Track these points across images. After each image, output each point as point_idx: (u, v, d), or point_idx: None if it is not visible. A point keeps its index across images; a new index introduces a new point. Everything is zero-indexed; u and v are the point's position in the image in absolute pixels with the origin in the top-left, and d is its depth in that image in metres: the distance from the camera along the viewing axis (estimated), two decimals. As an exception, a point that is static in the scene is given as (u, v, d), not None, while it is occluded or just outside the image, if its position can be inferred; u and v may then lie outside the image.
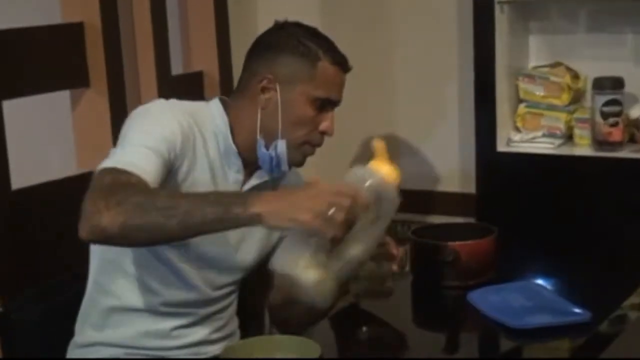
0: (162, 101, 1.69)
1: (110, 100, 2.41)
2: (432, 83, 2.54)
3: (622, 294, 1.84)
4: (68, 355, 1.77)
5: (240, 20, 2.77)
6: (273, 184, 1.76)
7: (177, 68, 2.68)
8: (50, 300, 1.76)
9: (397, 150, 2.64)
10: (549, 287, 1.83)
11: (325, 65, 1.66)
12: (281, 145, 1.66)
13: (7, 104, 2.18)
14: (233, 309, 1.81)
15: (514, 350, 1.54)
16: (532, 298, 1.77)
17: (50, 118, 2.63)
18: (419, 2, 2.51)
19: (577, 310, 1.69)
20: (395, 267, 1.64)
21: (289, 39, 1.69)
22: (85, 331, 1.75)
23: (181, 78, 2.66)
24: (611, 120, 2.15)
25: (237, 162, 1.69)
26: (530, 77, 2.30)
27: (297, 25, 1.74)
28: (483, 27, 2.24)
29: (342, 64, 1.69)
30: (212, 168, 1.67)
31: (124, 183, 1.43)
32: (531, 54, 2.38)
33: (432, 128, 2.56)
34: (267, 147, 1.67)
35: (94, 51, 2.40)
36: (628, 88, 2.18)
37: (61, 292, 1.81)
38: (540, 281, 1.85)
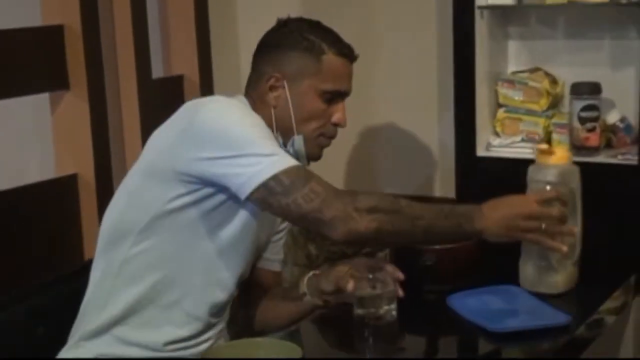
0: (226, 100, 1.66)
1: (90, 104, 2.41)
2: (412, 87, 2.55)
3: (599, 298, 1.86)
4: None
5: (220, 24, 2.78)
6: None
7: (157, 71, 2.68)
8: (26, 305, 1.75)
9: (376, 154, 2.65)
10: (527, 291, 1.85)
11: (330, 58, 1.68)
12: (298, 141, 1.69)
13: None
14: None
15: (493, 352, 1.55)
16: (511, 302, 1.79)
17: (30, 121, 2.62)
18: (399, 7, 2.52)
19: (555, 313, 1.71)
20: (400, 292, 1.67)
21: (292, 35, 1.70)
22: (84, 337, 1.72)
23: (162, 82, 2.66)
24: (589, 125, 2.17)
25: None
26: (510, 82, 2.32)
27: (300, 20, 1.75)
28: (463, 32, 2.25)
29: (347, 54, 1.71)
30: None
31: (337, 191, 1.56)
32: (510, 59, 2.40)
33: (411, 132, 2.57)
34: (285, 144, 1.69)
35: (74, 54, 2.40)
36: (605, 93, 2.20)
37: (32, 299, 1.79)
38: (517, 285, 1.86)
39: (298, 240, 2.78)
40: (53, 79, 2.39)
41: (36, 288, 1.80)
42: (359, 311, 1.70)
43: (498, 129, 2.33)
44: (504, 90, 2.33)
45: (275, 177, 1.52)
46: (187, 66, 2.72)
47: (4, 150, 2.48)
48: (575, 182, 1.87)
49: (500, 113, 2.33)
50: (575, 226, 1.82)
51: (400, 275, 1.66)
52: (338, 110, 1.71)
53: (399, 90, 2.57)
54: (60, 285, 1.80)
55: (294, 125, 1.68)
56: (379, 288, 1.69)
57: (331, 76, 1.69)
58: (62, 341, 1.73)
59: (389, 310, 1.69)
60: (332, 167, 2.68)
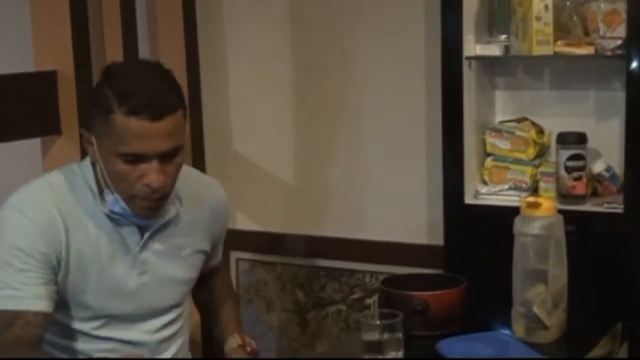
0: (23, 198, 1.64)
1: (81, 149, 2.42)
2: (400, 135, 2.58)
3: (586, 345, 1.88)
4: None
5: (211, 71, 2.82)
6: (192, 212, 1.78)
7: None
8: None
9: (364, 201, 2.68)
10: (516, 337, 1.87)
11: (118, 118, 1.53)
12: (119, 199, 1.63)
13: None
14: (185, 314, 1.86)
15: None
16: (500, 348, 1.81)
17: (20, 165, 2.63)
18: (387, 55, 2.57)
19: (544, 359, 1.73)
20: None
21: (97, 87, 1.60)
22: None
23: (152, 127, 2.69)
24: (575, 174, 2.20)
25: (122, 219, 1.67)
26: (497, 131, 2.36)
27: (119, 66, 1.65)
28: (451, 81, 2.29)
29: (139, 112, 1.52)
30: (97, 240, 1.66)
31: (7, 344, 1.54)
32: (497, 109, 2.44)
33: (400, 180, 2.60)
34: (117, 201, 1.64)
35: (67, 99, 2.43)
36: (591, 143, 2.24)
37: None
38: (507, 332, 1.88)
39: (286, 286, 2.79)
40: (45, 124, 2.42)
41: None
42: (366, 356, 1.71)
43: (486, 177, 2.37)
44: (491, 139, 2.37)
45: None
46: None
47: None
48: (561, 232, 1.90)
49: (488, 162, 2.37)
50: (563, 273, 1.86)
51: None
52: (148, 172, 1.57)
53: (387, 137, 2.61)
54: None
55: (110, 184, 1.63)
56: (386, 334, 1.70)
57: (123, 138, 1.54)
58: None
59: (395, 356, 1.70)
60: (320, 214, 2.70)
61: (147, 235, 1.70)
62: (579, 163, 2.21)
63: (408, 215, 2.60)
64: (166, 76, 1.62)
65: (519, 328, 1.88)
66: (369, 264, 2.66)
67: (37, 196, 1.65)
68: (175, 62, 2.72)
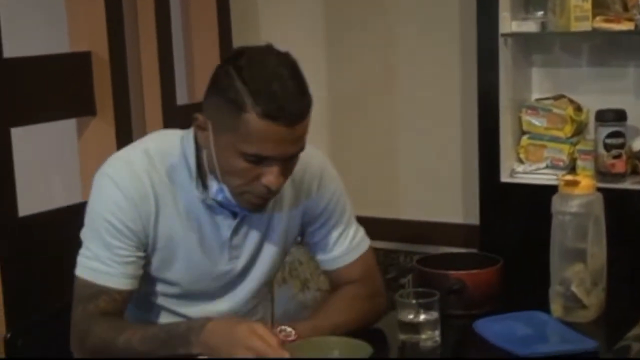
0: (118, 166, 1.59)
1: (117, 129, 2.45)
2: (436, 115, 2.56)
3: (626, 324, 1.85)
4: None
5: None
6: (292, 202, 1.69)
7: (182, 98, 2.71)
8: (56, 326, 1.77)
9: (400, 181, 2.66)
10: (553, 317, 1.84)
11: (251, 118, 1.43)
12: (225, 190, 1.55)
13: (15, 132, 2.20)
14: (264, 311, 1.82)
15: (521, 378, 1.54)
16: (537, 327, 1.78)
17: (57, 146, 2.65)
18: (423, 35, 2.55)
19: (583, 339, 1.70)
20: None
21: (226, 76, 1.47)
22: None
23: (186, 108, 2.69)
24: (614, 152, 2.17)
25: (218, 207, 1.60)
26: (533, 109, 2.33)
27: (251, 56, 1.49)
28: (487, 60, 2.26)
29: (276, 117, 1.43)
30: (188, 218, 1.62)
31: (91, 316, 1.57)
32: (534, 87, 2.41)
33: (435, 159, 2.58)
34: (221, 189, 1.56)
35: (101, 80, 2.44)
36: (630, 120, 2.21)
37: (67, 317, 1.81)
38: (545, 311, 1.86)
39: (320, 266, 2.79)
40: (80, 105, 2.43)
41: (65, 310, 1.82)
42: (402, 337, 1.70)
43: (522, 156, 2.34)
44: (527, 117, 2.34)
45: (76, 278, 1.60)
46: (211, 93, 2.75)
47: (32, 174, 2.51)
48: (600, 210, 1.87)
49: (524, 140, 2.34)
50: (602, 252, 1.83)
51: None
52: (269, 173, 1.48)
53: (422, 116, 2.59)
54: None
55: (219, 174, 1.53)
56: (423, 314, 1.69)
57: (252, 138, 1.44)
58: None
59: (433, 336, 1.69)
60: (356, 193, 2.69)
61: (239, 219, 1.64)
62: (618, 140, 2.18)
63: (443, 195, 2.58)
64: (297, 74, 1.50)
65: (556, 307, 1.85)
66: (403, 243, 2.65)
67: (133, 169, 1.58)
68: (208, 44, 2.72)
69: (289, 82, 1.46)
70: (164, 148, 1.61)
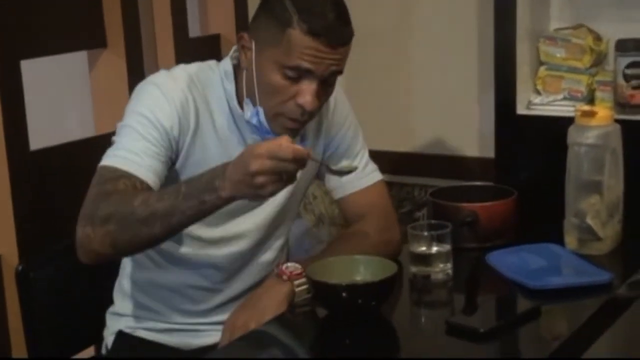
0: (162, 77, 1.61)
1: (128, 62, 2.41)
2: (451, 46, 2.50)
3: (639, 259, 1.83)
4: (107, 322, 1.80)
5: None
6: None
7: (194, 31, 2.67)
8: (68, 260, 1.77)
9: (415, 113, 2.62)
10: (568, 249, 1.82)
11: (295, 34, 1.49)
12: (260, 113, 1.57)
13: (25, 64, 2.17)
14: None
15: (533, 310, 1.53)
16: (550, 259, 1.77)
17: (68, 79, 2.63)
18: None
19: (597, 271, 1.68)
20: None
21: None
22: (122, 301, 1.77)
23: (198, 41, 2.65)
24: (634, 82, 2.11)
25: (250, 128, 1.61)
26: (552, 39, 2.26)
27: None
28: (504, -14, 2.20)
29: (321, 34, 1.49)
30: (223, 140, 1.62)
31: (107, 193, 1.47)
32: (552, 16, 2.33)
33: (450, 91, 2.53)
34: (257, 113, 1.58)
35: (112, 12, 2.39)
36: (651, 50, 2.14)
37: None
38: (559, 244, 1.83)
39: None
40: (91, 37, 2.39)
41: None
42: (413, 269, 1.69)
43: (539, 87, 2.28)
44: (545, 47, 2.27)
45: (98, 168, 1.54)
46: (223, 25, 2.70)
47: (43, 108, 2.49)
48: (617, 142, 1.83)
49: (542, 71, 2.28)
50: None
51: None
52: (305, 92, 1.52)
53: (437, 48, 2.53)
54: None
55: (257, 95, 1.56)
56: (435, 246, 1.67)
57: (296, 52, 1.50)
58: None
59: (444, 269, 1.67)
60: (369, 128, 2.65)
61: None
62: (639, 71, 2.11)
63: (458, 127, 2.53)
64: (342, 3, 1.57)
65: (571, 239, 1.83)
66: (418, 177, 2.61)
67: (177, 81, 1.60)
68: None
69: (334, 7, 1.53)
70: (203, 72, 1.64)
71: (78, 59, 2.48)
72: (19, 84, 2.14)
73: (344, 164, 1.75)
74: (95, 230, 1.44)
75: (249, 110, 1.59)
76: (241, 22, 2.71)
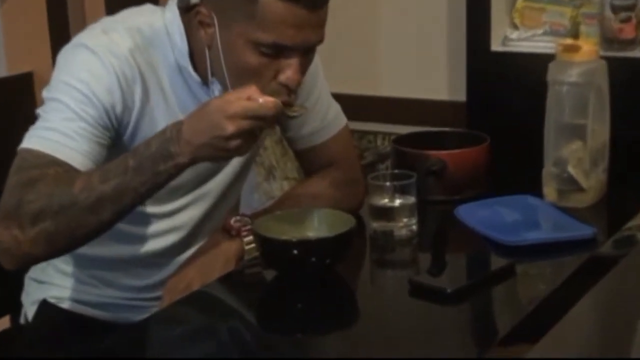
0: (98, 38, 1.49)
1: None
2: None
3: (629, 211, 1.84)
4: (27, 287, 1.76)
5: None
6: None
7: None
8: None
9: (379, 54, 2.60)
10: (546, 201, 1.82)
11: (269, 2, 1.41)
12: None
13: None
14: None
15: (507, 268, 1.53)
16: (527, 213, 1.77)
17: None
18: None
19: (579, 225, 1.68)
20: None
21: None
22: (47, 267, 1.72)
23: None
24: (623, 15, 2.12)
25: (208, 94, 1.54)
26: (531, -34, 2.27)
27: None
28: None
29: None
30: (175, 113, 1.53)
31: (32, 182, 1.37)
32: (533, -61, 2.34)
33: (417, 25, 2.53)
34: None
35: None
36: (642, -21, 2.15)
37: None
38: (536, 195, 1.84)
39: (289, 151, 2.75)
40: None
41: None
42: (374, 224, 1.68)
43: (517, 21, 2.29)
44: (524, -24, 2.28)
45: (19, 152, 1.43)
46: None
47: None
48: (603, 80, 1.83)
49: (520, 2, 2.29)
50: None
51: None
52: (286, 68, 1.45)
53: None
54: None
55: (227, 77, 1.48)
56: (398, 199, 1.65)
57: (269, 25, 1.42)
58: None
59: (408, 224, 1.66)
60: (332, 71, 2.63)
61: None
62: (628, 2, 2.13)
63: (427, 67, 2.54)
64: None
65: (550, 190, 1.83)
66: (381, 123, 2.62)
67: (118, 44, 1.49)
68: None
69: None
70: (145, 25, 1.53)
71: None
72: None
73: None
74: (25, 231, 1.36)
75: (215, 92, 1.53)
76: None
